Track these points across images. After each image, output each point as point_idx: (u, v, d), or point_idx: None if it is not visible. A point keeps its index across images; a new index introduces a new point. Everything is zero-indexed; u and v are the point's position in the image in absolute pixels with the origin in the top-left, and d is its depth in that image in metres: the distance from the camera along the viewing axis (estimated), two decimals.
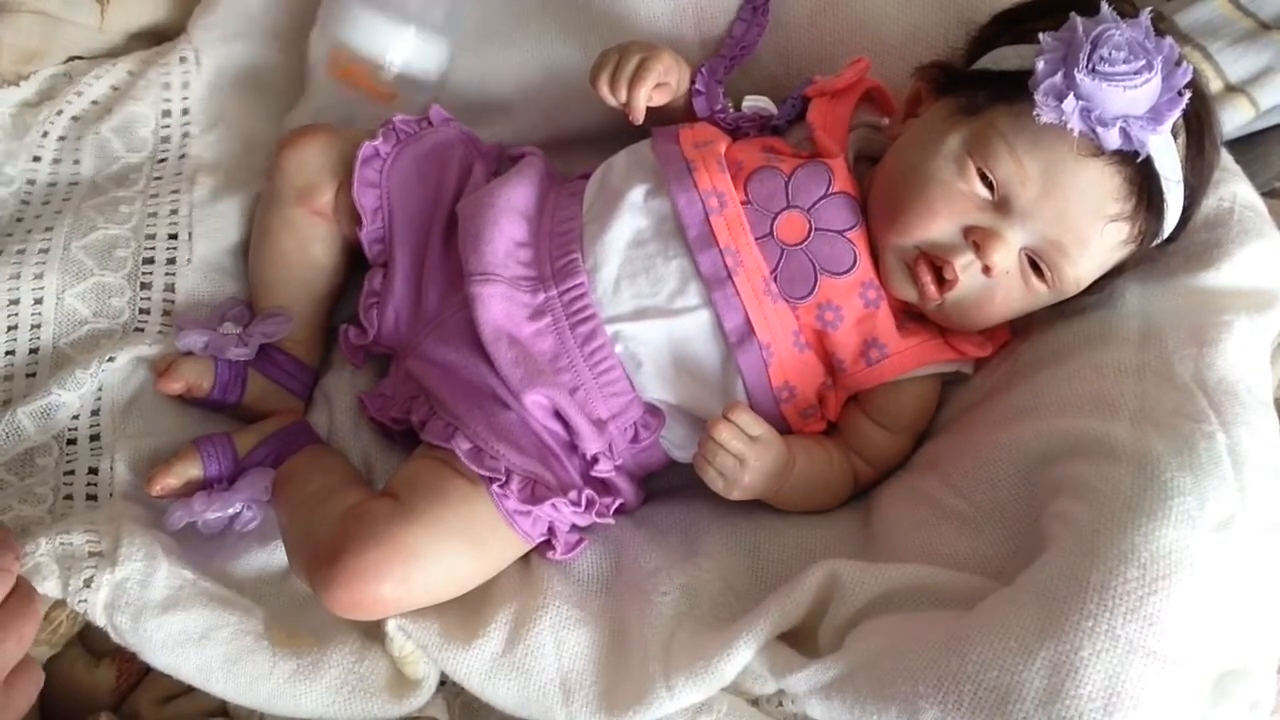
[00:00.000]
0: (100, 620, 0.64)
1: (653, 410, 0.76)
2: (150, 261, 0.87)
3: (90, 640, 0.70)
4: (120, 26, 1.02)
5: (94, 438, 0.80)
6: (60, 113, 0.96)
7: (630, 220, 0.75)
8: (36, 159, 0.94)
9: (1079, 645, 0.53)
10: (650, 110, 0.76)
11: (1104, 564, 0.54)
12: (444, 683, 0.68)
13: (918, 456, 0.77)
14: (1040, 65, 0.63)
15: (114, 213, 0.89)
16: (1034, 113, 0.63)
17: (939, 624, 0.59)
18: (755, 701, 0.64)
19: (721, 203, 0.73)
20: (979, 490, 0.67)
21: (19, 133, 0.94)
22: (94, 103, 0.97)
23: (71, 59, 1.01)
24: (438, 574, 0.67)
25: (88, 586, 0.64)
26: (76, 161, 0.94)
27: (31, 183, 0.93)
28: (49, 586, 0.64)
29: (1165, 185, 0.66)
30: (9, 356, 0.82)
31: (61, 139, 0.96)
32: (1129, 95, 0.62)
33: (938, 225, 0.69)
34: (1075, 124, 0.62)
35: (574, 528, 0.73)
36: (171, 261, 0.87)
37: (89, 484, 0.78)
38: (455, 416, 0.73)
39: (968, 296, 0.70)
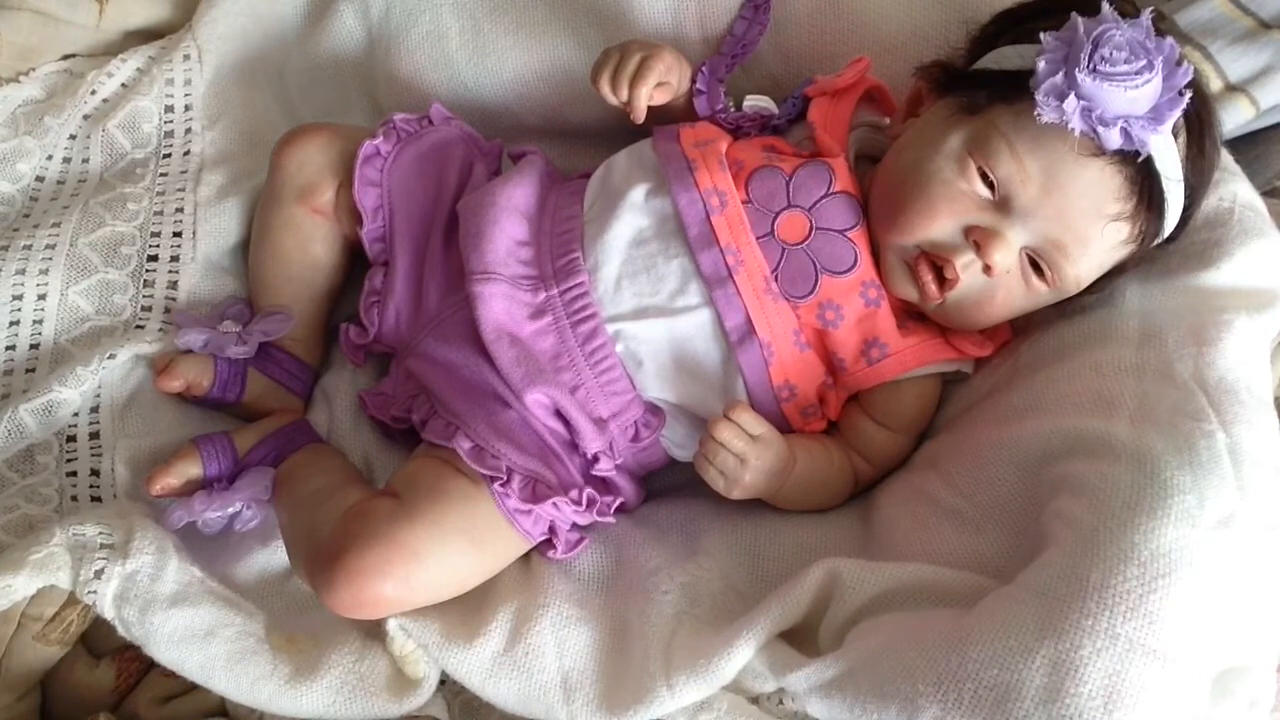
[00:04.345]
0: (109, 613, 0.64)
1: (653, 409, 0.76)
2: (154, 259, 0.87)
3: (90, 640, 0.70)
4: (117, 26, 1.02)
5: (93, 435, 0.80)
6: (78, 111, 0.97)
7: (631, 219, 0.75)
8: (49, 156, 0.95)
9: (1079, 644, 0.53)
10: (651, 109, 0.76)
11: (1104, 562, 0.55)
12: (443, 682, 0.68)
13: (918, 455, 0.77)
14: (1041, 65, 0.63)
15: (121, 209, 0.89)
16: (1035, 112, 0.63)
17: (939, 622, 0.59)
18: (755, 700, 0.64)
19: (722, 202, 0.73)
20: (979, 489, 0.67)
21: (31, 129, 0.94)
22: (104, 100, 0.98)
23: (66, 56, 1.01)
24: (439, 573, 0.67)
25: (98, 578, 0.65)
26: (85, 160, 0.95)
27: (40, 179, 0.94)
28: (60, 578, 0.64)
29: (1166, 185, 0.66)
30: (9, 352, 0.83)
31: (72, 137, 0.96)
32: (1130, 95, 0.62)
33: (938, 224, 0.69)
34: (1076, 124, 0.62)
35: (575, 527, 0.74)
36: (175, 259, 0.87)
37: (92, 485, 0.78)
38: (456, 415, 0.73)
39: (968, 296, 0.70)
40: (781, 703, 0.64)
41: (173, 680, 0.68)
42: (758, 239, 0.73)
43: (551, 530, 0.72)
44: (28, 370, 0.82)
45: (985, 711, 0.54)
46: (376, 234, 0.82)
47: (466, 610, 0.69)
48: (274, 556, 0.76)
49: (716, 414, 0.71)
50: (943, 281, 0.70)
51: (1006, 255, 0.68)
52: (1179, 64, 0.64)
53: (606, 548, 0.74)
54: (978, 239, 0.68)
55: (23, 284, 0.84)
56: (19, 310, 0.83)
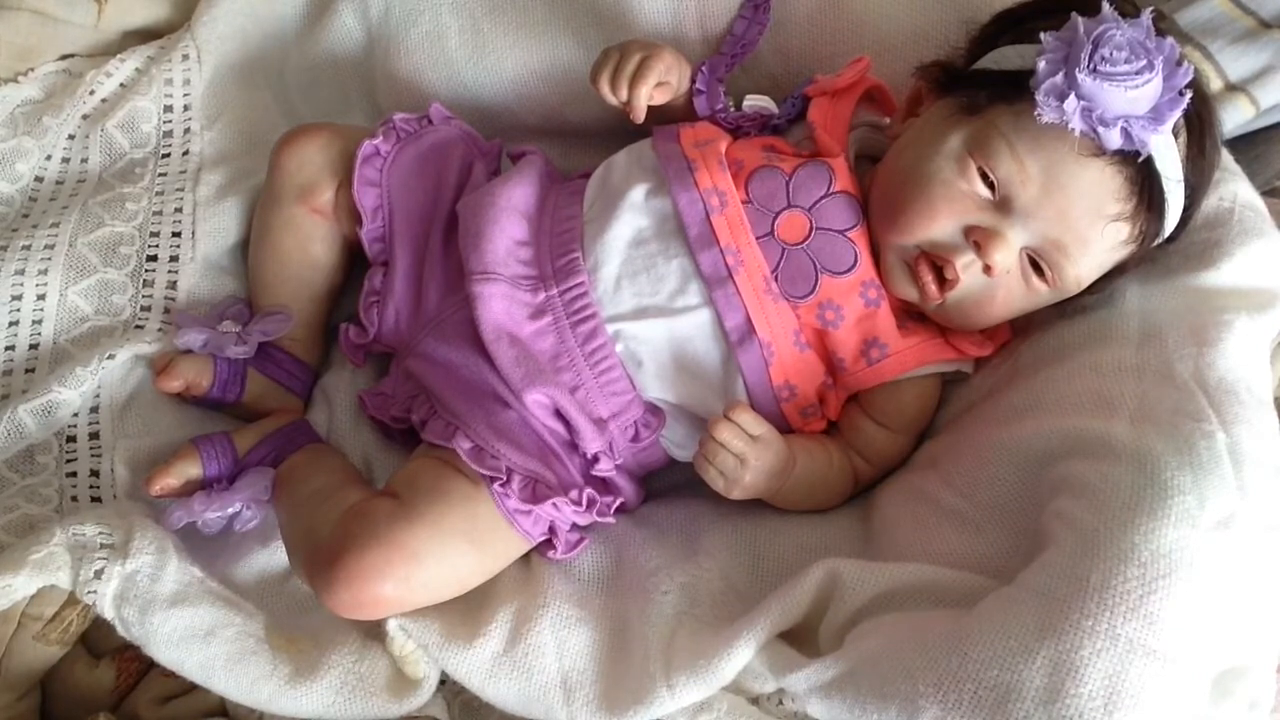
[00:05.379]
0: (109, 613, 0.64)
1: (653, 409, 0.76)
2: (153, 259, 0.87)
3: (90, 640, 0.70)
4: (116, 26, 1.01)
5: (93, 435, 0.80)
6: (77, 111, 0.96)
7: (631, 219, 0.75)
8: (48, 157, 0.94)
9: (1079, 644, 0.53)
10: (651, 109, 0.75)
11: (1104, 563, 0.55)
12: (443, 682, 0.68)
13: (918, 455, 0.77)
14: (1041, 65, 0.63)
15: (120, 209, 0.89)
16: (1035, 112, 0.63)
17: (939, 623, 0.59)
18: (755, 700, 0.64)
19: (722, 202, 0.73)
20: (979, 489, 0.67)
21: (29, 130, 0.94)
22: (103, 100, 0.97)
23: (65, 56, 1.01)
24: (439, 573, 0.67)
25: (98, 578, 0.65)
26: (84, 160, 0.95)
27: (39, 180, 0.94)
28: (60, 578, 0.64)
29: (1166, 185, 0.66)
30: (9, 352, 0.83)
31: (70, 137, 0.96)
32: (1130, 95, 0.62)
33: (938, 225, 0.69)
34: (1076, 124, 0.62)
35: (575, 527, 0.74)
36: (174, 259, 0.87)
37: (92, 486, 0.78)
38: (456, 415, 0.73)
39: (969, 296, 0.70)
40: (781, 703, 0.64)
41: (173, 680, 0.68)
42: (758, 239, 0.73)
43: (551, 530, 0.72)
44: (27, 370, 0.82)
45: (985, 712, 0.54)
46: (376, 234, 0.82)
47: (466, 610, 0.69)
48: (274, 557, 0.76)
49: (716, 414, 0.71)
50: (943, 282, 0.70)
51: (1006, 255, 0.68)
52: (1179, 64, 0.64)
53: (606, 548, 0.74)
54: (978, 239, 0.68)
55: (22, 284, 0.84)
56: (18, 310, 0.83)
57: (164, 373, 0.80)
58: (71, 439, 0.80)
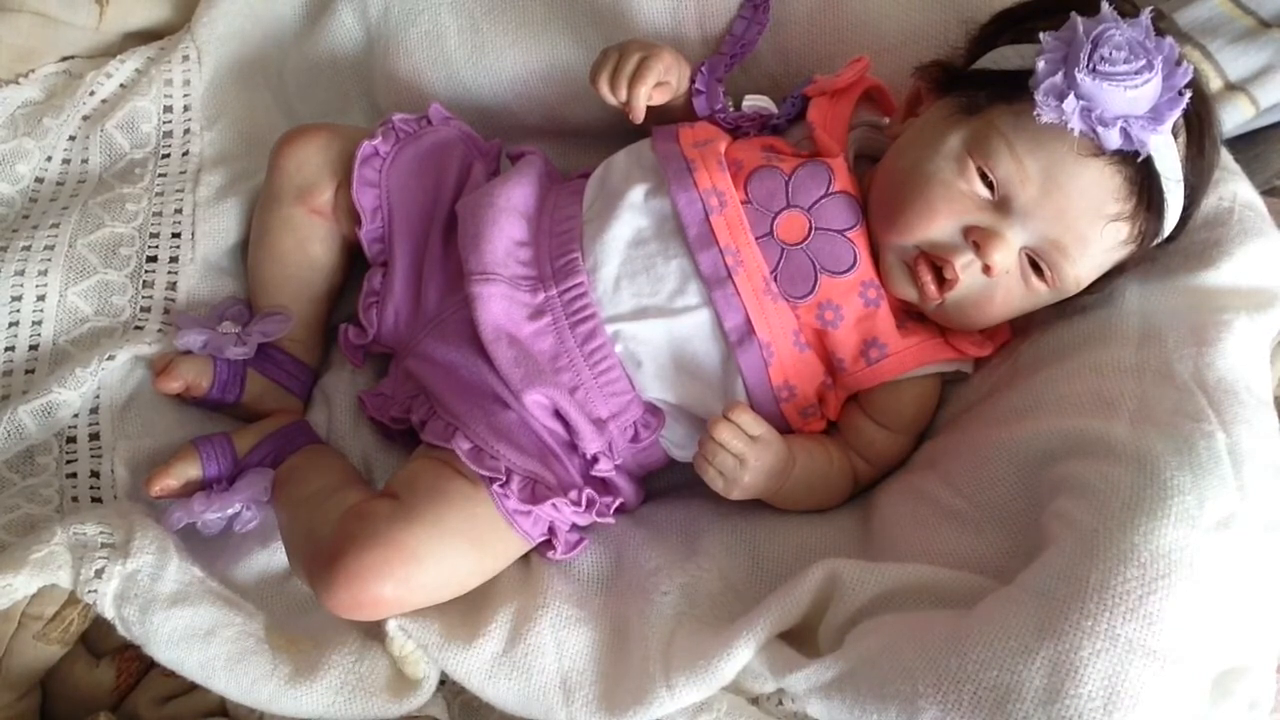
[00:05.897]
0: (109, 612, 0.64)
1: (653, 410, 0.76)
2: (153, 260, 0.87)
3: (90, 640, 0.70)
4: (117, 27, 1.02)
5: (93, 436, 0.80)
6: (77, 112, 0.97)
7: (630, 220, 0.75)
8: (48, 158, 0.95)
9: (1078, 645, 0.53)
10: (650, 109, 0.75)
11: (1103, 563, 0.55)
12: (444, 682, 0.68)
13: (918, 455, 0.77)
14: (1041, 65, 0.63)
15: (120, 210, 0.89)
16: (1034, 112, 0.63)
17: (939, 623, 0.59)
18: (755, 700, 0.64)
19: (721, 202, 0.73)
20: (979, 489, 0.67)
21: (30, 131, 0.94)
22: (103, 101, 0.98)
23: (66, 58, 1.01)
24: (438, 574, 0.67)
25: (98, 577, 0.65)
26: (85, 161, 0.95)
27: (40, 180, 0.94)
28: (61, 577, 0.64)
29: (1165, 185, 0.66)
30: (9, 353, 0.83)
31: (71, 138, 0.96)
32: (1129, 95, 0.62)
33: (938, 225, 0.69)
34: (1075, 124, 0.62)
35: (574, 527, 0.74)
36: (174, 260, 0.87)
37: (92, 487, 0.78)
38: (455, 416, 0.73)
39: (968, 296, 0.70)
40: (781, 703, 0.64)
41: (173, 680, 0.68)
42: (757, 239, 0.73)
43: (551, 531, 0.72)
44: (27, 371, 0.83)
45: (985, 712, 0.54)
46: (375, 234, 0.82)
47: (466, 611, 0.69)
48: (274, 557, 0.76)
49: (716, 414, 0.71)
50: (942, 282, 0.70)
51: (1006, 255, 0.68)
52: (1179, 63, 0.64)
53: (606, 548, 0.74)
54: (977, 239, 0.68)
55: (22, 285, 0.84)
56: (18, 311, 0.83)
57: (164, 374, 0.80)
58: (71, 440, 0.80)
